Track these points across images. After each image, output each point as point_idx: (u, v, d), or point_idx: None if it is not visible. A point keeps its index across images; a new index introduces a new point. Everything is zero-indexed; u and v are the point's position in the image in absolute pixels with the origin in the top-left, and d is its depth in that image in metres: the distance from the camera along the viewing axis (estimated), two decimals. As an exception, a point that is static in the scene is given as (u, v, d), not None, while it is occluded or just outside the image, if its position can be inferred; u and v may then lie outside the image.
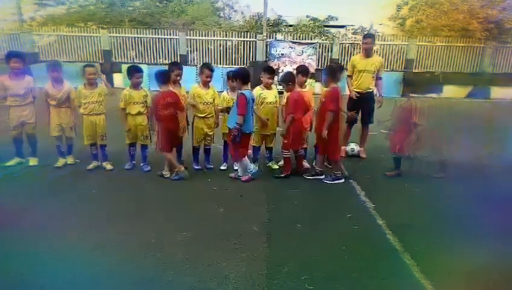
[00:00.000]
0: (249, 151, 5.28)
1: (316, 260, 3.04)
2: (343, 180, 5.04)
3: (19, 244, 3.18)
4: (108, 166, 5.35)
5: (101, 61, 16.90)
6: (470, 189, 4.88)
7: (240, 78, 4.86)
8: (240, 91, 4.77)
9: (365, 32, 17.07)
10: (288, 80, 5.09)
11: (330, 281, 2.75)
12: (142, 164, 5.34)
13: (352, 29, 19.99)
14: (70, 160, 5.44)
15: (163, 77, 4.89)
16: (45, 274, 2.75)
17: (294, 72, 5.33)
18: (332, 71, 4.99)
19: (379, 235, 3.54)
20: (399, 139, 5.24)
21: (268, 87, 5.33)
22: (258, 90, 5.30)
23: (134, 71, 5.10)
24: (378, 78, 6.26)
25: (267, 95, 5.24)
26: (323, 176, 5.12)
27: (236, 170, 5.11)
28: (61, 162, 5.37)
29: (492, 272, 2.95)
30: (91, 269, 2.82)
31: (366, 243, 3.37)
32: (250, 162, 5.09)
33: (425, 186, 4.99)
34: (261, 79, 5.33)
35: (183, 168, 4.99)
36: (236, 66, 16.75)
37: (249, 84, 4.95)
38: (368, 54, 6.14)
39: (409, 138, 5.15)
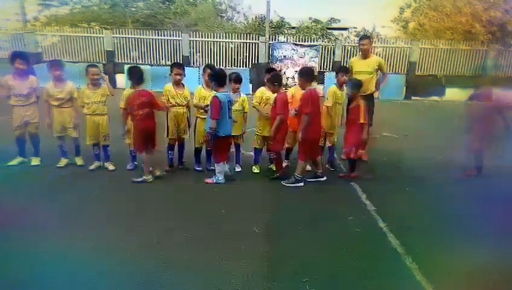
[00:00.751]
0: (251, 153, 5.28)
1: (317, 262, 3.04)
2: (302, 184, 4.90)
3: (20, 244, 3.18)
4: (111, 166, 5.36)
5: (103, 61, 16.96)
6: (471, 190, 4.86)
7: (215, 80, 4.77)
8: (214, 94, 4.71)
9: (365, 34, 17.08)
10: (274, 81, 5.02)
11: (331, 283, 2.75)
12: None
13: (355, 31, 20.00)
14: (79, 161, 5.44)
15: (136, 76, 4.87)
16: (45, 274, 2.75)
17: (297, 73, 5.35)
18: (307, 73, 4.96)
19: (380, 237, 3.53)
20: (351, 141, 5.17)
21: (274, 91, 5.31)
22: (262, 91, 5.30)
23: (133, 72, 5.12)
24: (382, 74, 6.34)
25: (271, 96, 5.24)
26: (301, 184, 4.93)
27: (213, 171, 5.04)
28: (63, 162, 5.38)
29: (494, 274, 2.94)
30: (91, 269, 2.82)
31: (368, 245, 3.36)
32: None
33: (427, 189, 4.97)
34: (265, 80, 5.33)
35: (157, 173, 4.97)
36: (238, 68, 16.80)
37: (225, 86, 4.88)
38: (365, 55, 6.16)
39: (358, 139, 5.07)
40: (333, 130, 5.58)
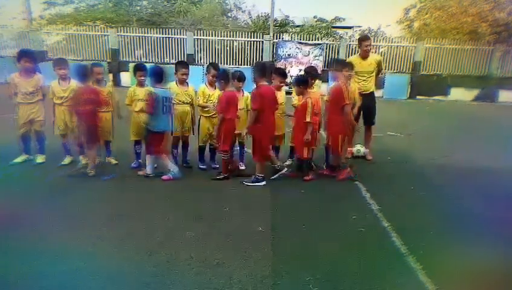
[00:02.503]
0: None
1: (320, 261, 3.03)
2: (264, 183, 4.82)
3: (22, 242, 3.20)
4: (113, 161, 5.43)
5: (108, 60, 17.02)
6: (475, 191, 4.84)
7: (152, 76, 4.81)
8: (150, 89, 4.74)
9: (365, 35, 17.01)
10: (221, 78, 4.95)
11: (335, 283, 2.74)
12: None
13: (360, 30, 19.95)
14: (84, 160, 5.47)
15: (82, 73, 4.88)
16: (46, 274, 2.76)
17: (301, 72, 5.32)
18: (261, 69, 4.84)
19: (384, 237, 3.51)
20: (298, 141, 5.07)
21: (278, 88, 5.32)
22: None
23: (138, 69, 5.15)
24: (379, 72, 6.30)
25: (279, 96, 5.23)
26: (263, 183, 4.83)
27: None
28: (67, 160, 5.42)
29: (499, 275, 2.92)
30: (95, 268, 2.83)
31: (371, 245, 3.35)
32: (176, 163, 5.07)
33: (431, 189, 4.95)
34: (272, 80, 5.32)
35: (90, 171, 4.93)
36: (242, 67, 16.80)
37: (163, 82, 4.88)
38: (366, 55, 6.12)
39: (305, 139, 4.95)
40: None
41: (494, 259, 3.15)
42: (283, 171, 5.02)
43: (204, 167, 5.42)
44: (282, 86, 5.34)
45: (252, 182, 4.82)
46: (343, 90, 4.84)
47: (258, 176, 4.84)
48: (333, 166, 5.30)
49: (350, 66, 5.55)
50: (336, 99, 4.97)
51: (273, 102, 4.82)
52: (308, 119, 4.85)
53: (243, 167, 5.45)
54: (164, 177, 4.87)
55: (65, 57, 15.59)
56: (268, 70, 4.96)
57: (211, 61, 16.73)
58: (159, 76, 4.80)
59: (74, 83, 5.29)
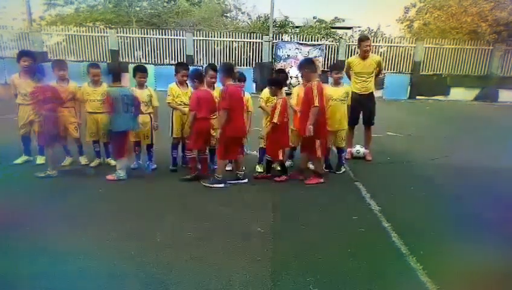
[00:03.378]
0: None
1: (321, 262, 3.03)
2: (222, 185, 4.73)
3: (23, 243, 3.20)
4: (112, 162, 5.42)
5: (108, 60, 17.03)
6: (475, 192, 4.84)
7: (108, 75, 4.84)
8: (106, 90, 4.74)
9: (365, 35, 16.99)
10: (194, 77, 4.92)
11: (335, 283, 2.74)
12: (147, 163, 5.38)
13: (359, 30, 19.97)
14: (83, 160, 5.50)
15: (40, 72, 4.88)
16: (47, 274, 2.76)
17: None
18: (227, 69, 4.80)
19: (384, 237, 3.51)
20: (270, 142, 4.99)
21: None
22: (266, 93, 5.29)
23: (138, 71, 5.15)
24: (379, 72, 6.25)
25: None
26: (221, 185, 4.75)
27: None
28: (68, 161, 5.42)
29: (500, 275, 2.92)
30: (95, 268, 2.83)
31: (372, 246, 3.35)
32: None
33: (431, 189, 4.95)
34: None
35: (54, 172, 4.88)
36: (242, 67, 16.81)
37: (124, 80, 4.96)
38: (365, 56, 6.07)
39: (278, 139, 4.90)
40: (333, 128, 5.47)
41: (495, 259, 3.15)
42: (242, 181, 4.92)
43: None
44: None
45: (211, 183, 4.74)
46: (313, 91, 4.66)
47: (217, 176, 4.76)
48: (301, 169, 5.19)
49: (339, 68, 5.55)
50: (306, 101, 4.80)
51: (240, 102, 4.76)
52: (275, 120, 4.77)
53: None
54: (109, 176, 4.84)
55: (65, 58, 15.67)
56: (232, 70, 4.87)
57: (210, 62, 16.74)
58: (116, 75, 4.79)
59: (73, 84, 5.31)
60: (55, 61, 5.45)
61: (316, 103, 4.64)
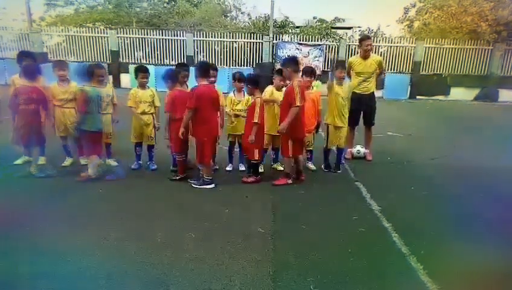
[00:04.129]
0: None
1: (321, 262, 3.03)
2: (212, 186, 4.70)
3: (24, 243, 3.20)
4: (113, 162, 5.44)
5: (108, 61, 17.04)
6: (476, 191, 4.84)
7: (79, 74, 4.78)
8: (80, 87, 4.71)
9: (366, 34, 16.98)
10: (168, 78, 4.94)
11: (336, 284, 2.74)
12: (148, 163, 5.38)
13: (359, 30, 19.97)
14: (83, 161, 5.49)
15: (29, 71, 4.86)
16: (48, 274, 2.76)
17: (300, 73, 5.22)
18: (202, 68, 4.73)
19: (385, 238, 3.51)
20: (247, 142, 4.89)
21: (279, 88, 5.31)
22: (271, 91, 5.30)
23: (139, 71, 5.16)
24: (381, 73, 6.24)
25: (278, 96, 5.23)
26: (212, 185, 4.71)
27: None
28: (68, 161, 5.43)
29: (500, 275, 2.92)
30: (95, 268, 2.83)
31: (372, 246, 3.35)
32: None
33: (432, 189, 4.95)
34: (273, 80, 5.32)
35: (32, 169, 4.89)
36: (242, 68, 16.81)
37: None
38: (366, 55, 6.06)
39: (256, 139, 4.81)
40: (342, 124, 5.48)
41: (496, 259, 3.15)
42: (208, 186, 4.75)
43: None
44: (282, 86, 5.27)
45: (200, 185, 4.71)
46: (294, 91, 4.58)
47: (206, 178, 4.72)
48: (300, 171, 5.09)
49: (343, 66, 5.54)
50: (287, 100, 4.71)
51: (212, 102, 4.65)
52: (255, 120, 4.73)
53: (243, 168, 5.45)
54: (83, 174, 4.82)
55: (65, 59, 15.68)
56: (208, 70, 4.78)
57: (210, 62, 16.74)
58: (87, 74, 4.74)
59: (74, 85, 5.32)
60: (56, 62, 5.45)
61: (298, 103, 4.57)
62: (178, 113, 4.70)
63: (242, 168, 5.46)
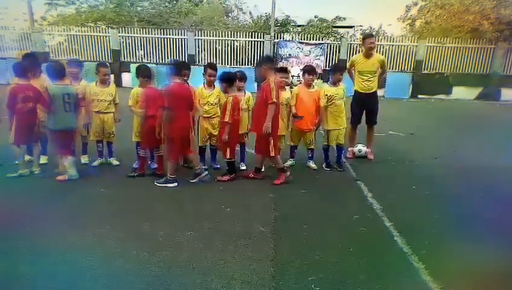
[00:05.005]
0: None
1: (322, 261, 3.02)
2: (175, 184, 4.67)
3: (25, 242, 3.20)
4: (115, 162, 5.47)
5: (110, 60, 17.05)
6: (478, 191, 4.82)
7: (48, 72, 4.77)
8: (49, 86, 4.70)
9: (370, 33, 16.93)
10: (141, 75, 4.93)
11: (337, 283, 2.74)
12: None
13: (361, 29, 19.92)
14: (84, 159, 5.52)
15: (21, 70, 4.83)
16: (48, 274, 2.76)
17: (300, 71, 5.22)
18: (175, 66, 4.72)
19: (386, 237, 3.50)
20: (221, 140, 4.88)
21: (281, 87, 5.30)
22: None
23: (140, 70, 5.15)
24: (382, 73, 6.22)
25: (280, 96, 5.22)
26: (174, 184, 4.69)
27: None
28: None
29: (502, 275, 2.91)
30: (96, 268, 2.84)
31: (374, 245, 3.34)
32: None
33: (433, 188, 4.93)
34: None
35: (26, 170, 4.88)
36: (243, 67, 16.80)
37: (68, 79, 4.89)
38: (370, 54, 6.03)
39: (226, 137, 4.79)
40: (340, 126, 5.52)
41: (498, 259, 3.14)
42: (202, 175, 4.80)
43: (205, 167, 5.42)
44: (284, 84, 5.28)
45: (163, 183, 4.69)
46: (270, 88, 4.56)
47: (169, 177, 4.69)
48: (258, 168, 5.07)
49: (343, 69, 5.54)
50: (263, 98, 4.67)
51: (185, 100, 4.64)
52: (226, 119, 4.71)
53: (243, 167, 5.45)
54: (59, 177, 4.79)
55: (67, 58, 15.68)
56: (183, 68, 4.82)
57: (212, 61, 16.75)
58: (58, 72, 4.72)
59: (84, 83, 5.34)
60: (70, 60, 5.47)
61: (273, 99, 4.55)
62: (150, 110, 4.70)
63: (243, 167, 5.46)
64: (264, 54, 15.90)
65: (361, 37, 6.61)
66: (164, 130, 4.60)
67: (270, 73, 4.75)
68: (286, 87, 5.41)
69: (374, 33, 19.09)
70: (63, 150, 4.76)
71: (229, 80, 4.85)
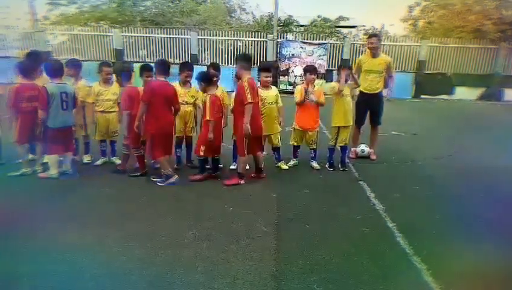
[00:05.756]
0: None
1: (325, 262, 3.03)
2: (175, 178, 4.70)
3: (26, 242, 3.22)
4: (118, 161, 5.49)
5: (112, 60, 17.07)
6: (481, 192, 4.81)
7: (46, 71, 4.79)
8: (44, 84, 4.69)
9: (374, 33, 16.92)
10: (120, 74, 4.95)
11: (339, 283, 2.74)
12: (152, 161, 5.39)
13: (364, 29, 19.88)
14: (87, 158, 5.54)
15: (25, 69, 4.86)
16: (50, 273, 2.78)
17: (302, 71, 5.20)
18: (160, 65, 4.75)
19: (389, 237, 3.50)
20: (203, 138, 4.84)
21: (266, 86, 5.30)
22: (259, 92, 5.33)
23: (145, 70, 5.17)
24: (389, 77, 6.18)
25: (267, 95, 5.22)
26: (174, 178, 4.72)
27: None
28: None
29: (504, 275, 2.91)
30: (99, 267, 2.85)
31: (376, 246, 3.34)
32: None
33: (436, 188, 4.93)
34: (260, 79, 5.31)
35: (28, 169, 4.88)
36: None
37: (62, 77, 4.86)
38: (374, 54, 6.02)
39: (203, 136, 4.79)
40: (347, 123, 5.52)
41: (499, 259, 3.13)
42: (172, 179, 4.74)
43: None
44: (268, 82, 5.29)
45: (163, 182, 4.71)
46: (244, 88, 4.54)
47: (165, 173, 4.70)
48: (259, 168, 5.06)
49: (349, 67, 5.50)
50: (239, 98, 4.67)
51: (165, 98, 4.63)
52: (207, 117, 4.70)
53: (246, 167, 5.45)
54: (42, 174, 4.82)
55: (68, 58, 15.68)
56: (167, 67, 4.82)
57: (215, 61, 16.75)
58: (54, 70, 4.74)
59: (83, 83, 5.35)
60: (69, 60, 5.48)
61: (249, 99, 4.52)
62: (135, 109, 4.71)
63: (246, 167, 5.46)
64: (241, 53, 15.88)
65: (366, 37, 6.60)
66: (144, 126, 4.60)
67: (245, 72, 4.73)
68: (287, 87, 5.38)
69: (376, 33, 19.07)
70: (53, 147, 4.78)
71: (207, 79, 4.85)
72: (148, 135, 4.63)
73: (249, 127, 4.57)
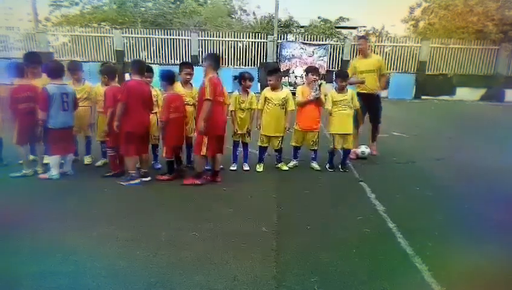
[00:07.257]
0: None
1: (325, 262, 3.01)
2: (138, 181, 4.69)
3: (28, 242, 3.22)
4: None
5: (113, 61, 17.11)
6: (482, 192, 4.80)
7: (46, 71, 4.83)
8: (44, 85, 4.71)
9: (361, 35, 16.96)
10: (104, 73, 4.98)
11: (340, 284, 2.73)
12: (153, 162, 5.40)
13: (364, 30, 19.91)
14: (88, 159, 5.54)
15: (18, 70, 4.86)
16: (50, 273, 2.77)
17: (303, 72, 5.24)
18: (136, 65, 4.80)
19: (390, 238, 3.49)
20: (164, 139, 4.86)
21: (275, 88, 5.32)
22: (265, 92, 5.36)
23: (145, 71, 5.16)
24: (381, 75, 6.31)
25: (273, 96, 5.25)
26: (137, 181, 4.71)
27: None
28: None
29: (506, 276, 2.89)
30: (100, 268, 2.84)
31: (377, 246, 3.33)
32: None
33: (437, 189, 4.91)
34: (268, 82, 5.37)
35: (30, 171, 4.89)
36: (247, 67, 16.80)
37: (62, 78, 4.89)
38: (364, 54, 6.26)
39: (169, 137, 4.82)
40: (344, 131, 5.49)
41: (501, 260, 3.12)
42: (134, 180, 4.70)
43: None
44: (273, 85, 5.33)
45: (127, 181, 4.68)
46: (205, 85, 4.49)
47: (130, 173, 4.70)
48: (216, 171, 4.97)
49: (344, 76, 5.48)
50: (200, 96, 4.63)
51: (141, 97, 4.64)
52: (162, 118, 4.75)
53: (247, 168, 5.45)
54: (42, 175, 4.83)
55: (70, 59, 15.75)
56: (145, 67, 4.90)
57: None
58: (56, 71, 4.76)
59: (88, 84, 5.37)
60: (69, 63, 5.48)
61: (207, 96, 4.46)
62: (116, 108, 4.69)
63: (246, 167, 5.46)
64: (209, 52, 15.88)
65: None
66: (120, 124, 4.59)
67: (211, 71, 4.68)
68: (289, 87, 5.41)
69: (376, 34, 19.10)
70: (54, 148, 4.78)
71: (169, 78, 4.86)
72: (122, 132, 4.61)
73: (203, 124, 4.50)
